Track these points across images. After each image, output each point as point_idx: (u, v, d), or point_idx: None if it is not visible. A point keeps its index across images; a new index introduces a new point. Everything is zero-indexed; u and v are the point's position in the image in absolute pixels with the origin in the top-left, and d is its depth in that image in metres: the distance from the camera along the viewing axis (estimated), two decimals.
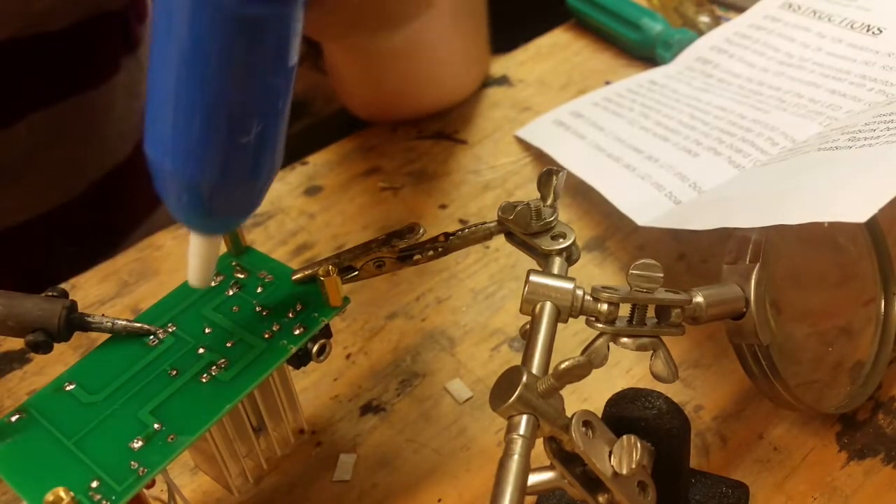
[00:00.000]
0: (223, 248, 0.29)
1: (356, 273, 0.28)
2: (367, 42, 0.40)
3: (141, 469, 0.23)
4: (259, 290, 0.28)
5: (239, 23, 0.19)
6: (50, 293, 0.26)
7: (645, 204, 0.37)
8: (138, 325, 0.26)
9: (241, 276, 0.29)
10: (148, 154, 0.21)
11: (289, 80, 0.21)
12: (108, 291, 0.40)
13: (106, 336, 0.27)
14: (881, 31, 0.41)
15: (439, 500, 0.31)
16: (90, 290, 0.40)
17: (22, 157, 0.48)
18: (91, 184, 0.53)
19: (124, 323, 0.26)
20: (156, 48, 0.20)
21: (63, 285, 0.40)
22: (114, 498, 0.22)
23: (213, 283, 0.28)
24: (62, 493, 0.21)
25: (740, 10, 0.50)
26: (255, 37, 0.20)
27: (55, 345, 0.25)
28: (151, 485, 0.23)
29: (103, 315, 0.26)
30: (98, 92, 0.51)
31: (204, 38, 0.19)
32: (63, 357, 0.36)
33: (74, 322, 0.25)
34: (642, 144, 0.42)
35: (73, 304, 0.26)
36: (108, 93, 0.52)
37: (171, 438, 0.23)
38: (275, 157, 0.22)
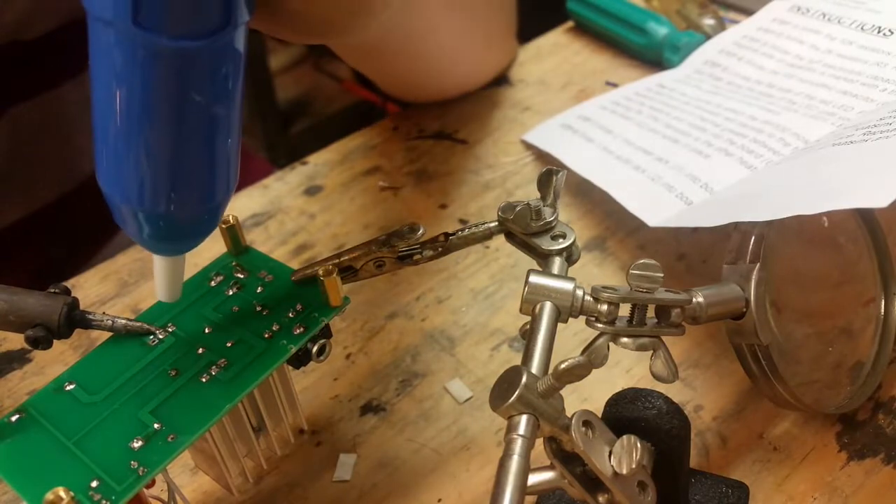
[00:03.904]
0: (223, 249, 0.30)
1: (356, 273, 0.28)
2: (341, 41, 0.39)
3: (141, 469, 0.23)
4: (259, 289, 0.28)
5: (168, 57, 0.19)
6: (52, 290, 0.26)
7: (655, 205, 0.37)
8: (139, 323, 0.26)
9: (241, 276, 0.29)
10: (100, 186, 0.22)
11: (230, 107, 0.21)
12: (107, 291, 0.40)
13: (106, 336, 0.27)
14: (892, 33, 0.41)
15: (439, 500, 0.31)
16: (90, 289, 0.40)
17: (7, 155, 0.48)
18: (85, 177, 0.54)
19: (125, 321, 0.26)
20: (94, 84, 0.20)
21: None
22: (114, 498, 0.22)
23: (212, 284, 0.28)
24: (62, 493, 0.21)
25: (742, 10, 0.50)
26: (187, 69, 0.20)
27: (55, 343, 0.25)
28: (151, 485, 0.23)
29: (104, 313, 0.26)
30: (74, 84, 0.51)
31: (135, 73, 0.19)
32: (63, 357, 0.36)
33: (75, 319, 0.25)
34: (652, 146, 0.42)
35: (75, 300, 0.26)
36: (83, 84, 0.52)
37: (171, 438, 0.23)
38: (227, 179, 0.22)
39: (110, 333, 0.27)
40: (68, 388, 0.25)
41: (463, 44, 0.47)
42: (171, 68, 0.19)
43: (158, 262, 0.24)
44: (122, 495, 0.22)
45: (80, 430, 0.24)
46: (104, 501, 0.22)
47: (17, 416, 0.24)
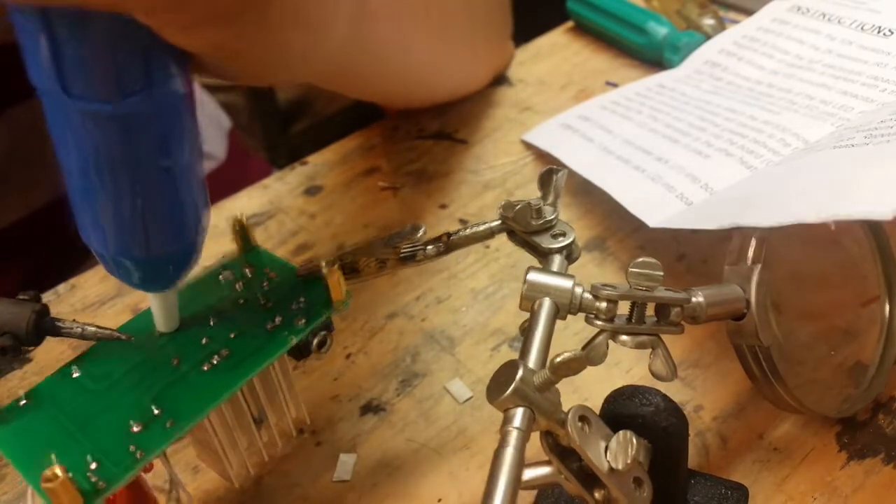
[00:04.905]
0: (231, 246, 0.30)
1: (358, 272, 0.29)
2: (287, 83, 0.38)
3: (139, 452, 0.23)
4: (264, 284, 0.28)
5: (103, 119, 0.20)
6: (22, 296, 0.25)
7: (655, 205, 0.37)
8: (108, 331, 0.26)
9: (248, 273, 0.29)
10: (81, 235, 0.23)
11: (180, 154, 0.22)
12: (107, 291, 0.40)
13: (115, 327, 0.27)
14: (892, 33, 0.41)
15: (439, 500, 0.30)
16: (90, 289, 0.40)
17: (5, 155, 0.48)
18: None
19: (95, 329, 0.26)
20: (56, 145, 0.22)
21: (63, 285, 0.40)
22: (110, 479, 0.22)
23: (220, 279, 0.29)
24: (58, 471, 0.21)
25: (742, 10, 0.50)
26: (124, 129, 0.21)
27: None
28: (150, 468, 0.24)
29: (74, 320, 0.26)
30: None
31: (79, 136, 0.21)
32: (63, 357, 0.36)
33: (45, 327, 0.25)
34: (652, 146, 0.41)
35: (44, 307, 0.25)
36: None
37: (170, 424, 0.24)
38: (197, 218, 0.23)
39: (106, 331, 0.27)
40: (75, 375, 0.26)
41: (444, 57, 0.46)
42: (110, 129, 0.20)
43: (152, 298, 0.25)
44: (119, 476, 0.23)
45: (83, 415, 0.24)
46: (101, 482, 0.22)
47: (24, 402, 0.25)
